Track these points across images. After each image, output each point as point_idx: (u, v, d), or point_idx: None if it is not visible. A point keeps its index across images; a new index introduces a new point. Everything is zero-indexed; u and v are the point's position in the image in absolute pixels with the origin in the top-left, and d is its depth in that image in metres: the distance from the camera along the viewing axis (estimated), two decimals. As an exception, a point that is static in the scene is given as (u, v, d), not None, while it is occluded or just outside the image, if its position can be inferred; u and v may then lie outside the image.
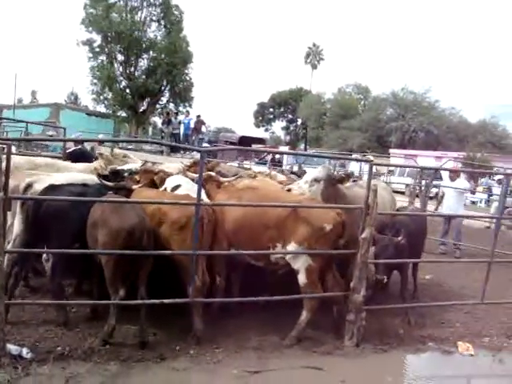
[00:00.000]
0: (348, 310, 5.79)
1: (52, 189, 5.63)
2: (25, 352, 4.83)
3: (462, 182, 12.89)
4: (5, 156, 4.49)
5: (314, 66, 70.30)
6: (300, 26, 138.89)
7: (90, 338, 5.32)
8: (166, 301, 5.27)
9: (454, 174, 12.36)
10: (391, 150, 39.23)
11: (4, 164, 4.50)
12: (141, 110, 36.89)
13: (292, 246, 5.69)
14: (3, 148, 4.52)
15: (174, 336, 5.53)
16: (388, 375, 5.45)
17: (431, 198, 16.81)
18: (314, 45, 70.30)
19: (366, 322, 5.86)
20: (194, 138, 23.95)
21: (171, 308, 5.55)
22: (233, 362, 5.20)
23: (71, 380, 4.57)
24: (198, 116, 25.15)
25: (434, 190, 22.42)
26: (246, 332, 5.83)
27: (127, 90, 36.84)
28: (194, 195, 5.34)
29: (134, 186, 6.09)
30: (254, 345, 5.58)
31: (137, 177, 6.60)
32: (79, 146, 10.64)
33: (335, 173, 7.02)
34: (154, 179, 6.67)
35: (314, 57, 70.20)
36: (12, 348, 4.82)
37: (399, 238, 6.22)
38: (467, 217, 13.95)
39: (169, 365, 5.02)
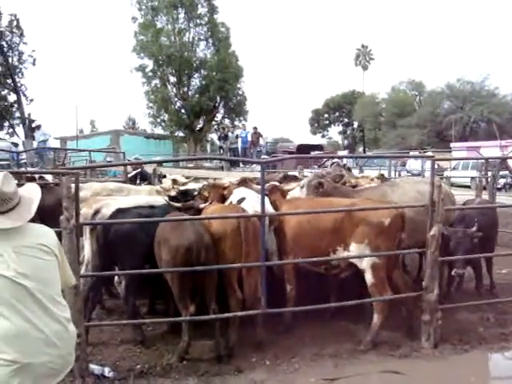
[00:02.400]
0: (422, 311, 5.65)
1: (120, 212, 5.81)
2: (107, 371, 4.99)
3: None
4: (74, 185, 4.69)
5: (365, 67, 69.69)
6: (346, 29, 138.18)
7: (167, 355, 5.42)
8: (238, 314, 5.33)
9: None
10: (452, 144, 38.20)
11: (74, 192, 4.70)
12: (197, 129, 37.41)
13: (353, 247, 5.67)
14: (73, 177, 4.72)
15: (249, 348, 5.56)
16: (472, 376, 5.22)
17: (499, 190, 16.27)
18: (363, 46, 69.76)
19: (443, 322, 5.70)
20: (252, 150, 24.11)
21: (243, 320, 5.59)
22: (310, 370, 5.17)
23: (152, 396, 4.68)
24: (255, 128, 25.29)
25: (502, 181, 21.76)
26: (321, 340, 5.79)
27: (182, 110, 37.46)
28: (258, 207, 5.40)
29: (202, 205, 6.15)
30: (329, 352, 5.52)
31: (206, 193, 6.67)
32: (139, 170, 10.92)
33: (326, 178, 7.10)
34: (223, 194, 6.73)
35: (363, 58, 69.63)
36: (95, 368, 4.99)
37: (473, 229, 6.08)
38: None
39: (246, 377, 5.05)
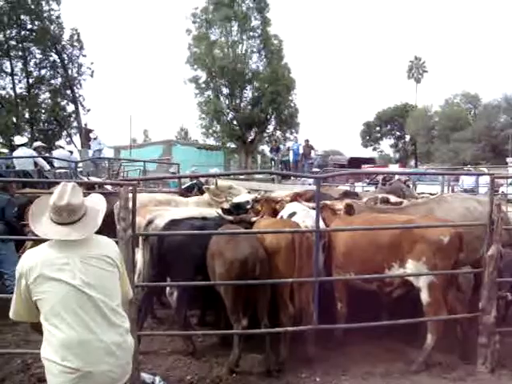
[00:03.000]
0: (479, 333, 5.48)
1: (174, 223, 5.87)
2: (157, 380, 5.05)
3: None
4: (131, 196, 4.78)
5: (418, 80, 68.52)
6: (399, 41, 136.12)
7: (217, 367, 5.46)
8: (289, 329, 5.30)
9: None
10: (508, 159, 37.05)
11: (131, 203, 4.78)
12: (249, 140, 37.60)
13: (411, 264, 5.57)
14: (130, 188, 4.81)
15: (299, 363, 5.52)
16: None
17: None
18: (416, 58, 68.62)
19: (501, 346, 5.51)
20: (303, 163, 24.08)
21: (294, 335, 5.56)
22: (360, 388, 5.08)
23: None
24: (306, 141, 25.26)
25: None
26: (372, 358, 5.70)
27: (234, 122, 37.69)
28: (308, 222, 5.37)
29: (254, 218, 6.17)
30: (380, 371, 5.44)
31: (259, 207, 6.69)
32: (195, 181, 11.04)
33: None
34: (275, 208, 6.74)
35: (416, 70, 68.47)
36: (146, 377, 5.05)
37: None
38: None
39: (296, 393, 5.01)
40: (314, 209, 5.76)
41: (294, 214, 6.18)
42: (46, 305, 2.80)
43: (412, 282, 5.62)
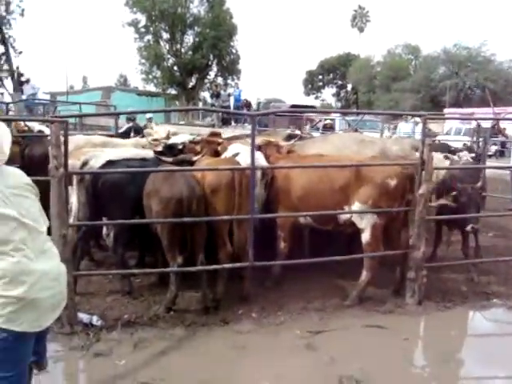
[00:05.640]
0: (408, 268, 5.72)
1: (110, 164, 5.76)
2: (95, 320, 5.06)
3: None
4: (63, 133, 4.64)
5: (361, 29, 68.75)
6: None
7: (154, 306, 5.49)
8: (226, 266, 5.37)
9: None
10: (446, 110, 38.09)
11: (63, 141, 4.65)
12: (190, 86, 37.14)
13: (356, 206, 5.68)
14: (62, 126, 4.67)
15: (236, 300, 5.62)
16: (452, 332, 5.38)
17: (490, 157, 16.22)
18: (360, 7, 68.64)
19: (428, 280, 5.79)
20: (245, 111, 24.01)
21: (231, 273, 5.66)
22: (295, 323, 5.25)
23: (139, 345, 4.74)
24: (246, 100, 25.11)
25: (494, 148, 21.72)
26: (308, 294, 5.86)
27: (175, 68, 37.13)
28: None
29: (195, 158, 6.10)
30: (315, 306, 5.61)
31: (198, 147, 6.60)
32: (131, 124, 10.83)
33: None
34: (216, 149, 6.66)
35: (360, 19, 68.59)
36: (83, 316, 5.05)
37: (479, 185, 6.22)
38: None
39: (232, 328, 5.12)
40: (259, 149, 5.78)
41: (237, 154, 6.14)
42: None
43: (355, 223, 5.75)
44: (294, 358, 4.63)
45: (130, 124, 10.88)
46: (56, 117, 5.57)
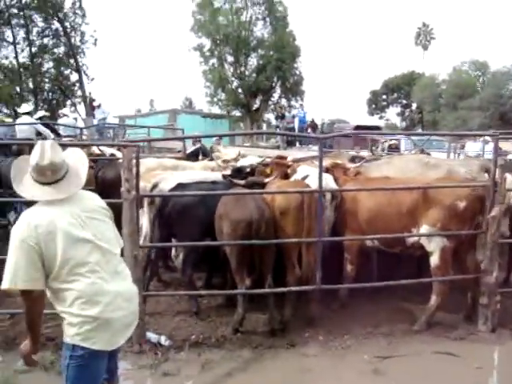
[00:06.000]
0: (481, 294, 5.53)
1: (181, 187, 5.90)
2: (163, 340, 5.15)
3: None
4: (135, 156, 4.80)
5: (425, 47, 67.44)
6: (407, 7, 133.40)
7: (221, 327, 5.54)
8: (293, 288, 5.37)
9: None
10: (517, 127, 36.77)
11: (135, 165, 4.81)
12: (254, 108, 37.45)
13: (424, 229, 5.57)
14: (133, 150, 4.83)
15: (302, 323, 5.59)
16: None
17: None
18: (424, 24, 67.38)
19: (502, 306, 5.56)
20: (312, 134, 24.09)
21: (299, 296, 5.64)
22: (362, 348, 5.17)
23: (206, 366, 4.80)
24: (312, 121, 25.15)
25: None
26: (375, 318, 5.76)
27: (239, 90, 37.56)
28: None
29: (266, 180, 6.14)
30: (383, 331, 5.52)
31: (268, 170, 6.66)
32: (198, 145, 11.05)
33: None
34: (286, 171, 6.67)
35: (424, 37, 67.30)
36: (151, 336, 5.16)
37: None
38: None
39: (299, 351, 5.10)
40: (327, 171, 5.77)
41: (306, 176, 6.12)
42: (64, 263, 2.78)
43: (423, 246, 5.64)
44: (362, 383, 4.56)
45: (197, 146, 11.10)
46: (128, 141, 5.77)
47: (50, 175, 2.90)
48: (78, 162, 3.13)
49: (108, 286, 2.88)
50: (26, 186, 2.92)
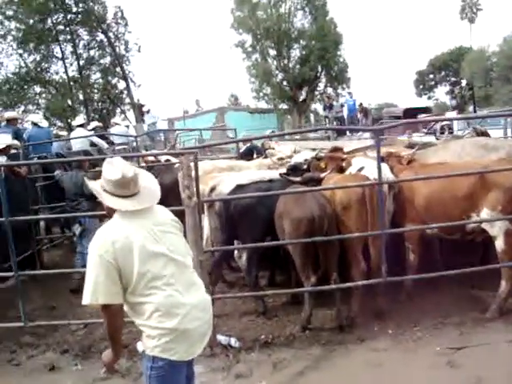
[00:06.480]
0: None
1: (240, 188, 5.95)
2: (233, 341, 5.22)
3: None
4: (193, 163, 4.86)
5: (472, 20, 65.19)
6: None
7: (289, 325, 5.57)
8: (359, 283, 5.34)
9: None
10: None
11: (193, 171, 4.87)
12: (300, 100, 37.27)
13: (485, 213, 5.43)
14: (191, 157, 4.89)
15: (370, 317, 5.56)
16: None
17: None
18: (469, -3, 65.36)
19: None
20: (363, 120, 23.76)
21: (365, 290, 5.57)
22: (433, 339, 5.07)
23: (278, 365, 4.83)
24: (360, 105, 24.77)
25: None
26: (444, 308, 5.63)
27: (284, 83, 37.44)
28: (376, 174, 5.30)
29: (322, 175, 6.11)
30: (453, 321, 5.39)
31: (322, 164, 6.63)
32: (249, 144, 11.10)
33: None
34: (341, 165, 6.62)
35: (469, 10, 65.09)
36: (222, 338, 5.23)
37: None
38: None
39: (369, 346, 5.07)
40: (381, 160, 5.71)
41: (362, 168, 6.10)
42: (141, 277, 2.84)
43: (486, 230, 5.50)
44: (436, 377, 4.47)
45: (248, 144, 11.14)
46: (185, 148, 5.84)
47: (133, 187, 2.99)
48: (145, 174, 3.26)
49: (184, 298, 2.93)
50: (111, 200, 2.99)
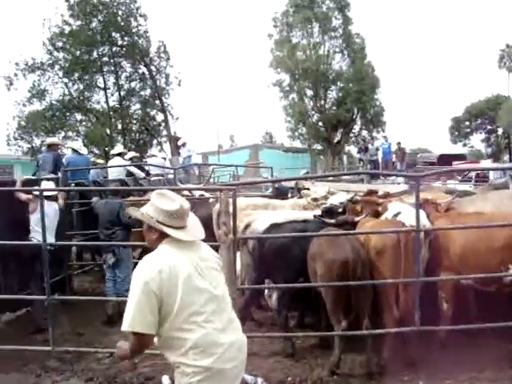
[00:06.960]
0: None
1: (275, 227, 5.96)
2: (260, 382, 5.14)
3: None
4: (231, 200, 4.90)
5: (510, 69, 64.93)
6: (488, 29, 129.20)
7: (317, 369, 5.48)
8: (392, 330, 5.25)
9: None
10: None
11: (231, 208, 4.90)
12: (335, 141, 37.35)
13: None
14: (230, 193, 4.94)
15: (401, 366, 5.42)
16: None
17: None
18: (508, 46, 65.20)
19: None
20: (395, 161, 23.59)
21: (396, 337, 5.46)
22: (466, 394, 4.91)
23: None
24: (399, 143, 24.56)
25: None
26: (479, 362, 5.43)
27: (320, 123, 37.62)
28: (414, 221, 5.25)
29: (357, 219, 6.10)
30: (487, 376, 5.22)
31: (358, 207, 6.62)
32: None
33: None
34: (377, 209, 6.61)
35: (508, 59, 64.96)
36: (248, 378, 5.11)
37: None
38: None
39: (398, 395, 4.93)
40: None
41: (398, 214, 6.05)
42: (182, 310, 2.81)
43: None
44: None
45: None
46: (225, 184, 5.90)
47: (186, 218, 3.03)
48: (196, 221, 3.22)
49: (222, 337, 2.89)
50: (168, 230, 2.96)
